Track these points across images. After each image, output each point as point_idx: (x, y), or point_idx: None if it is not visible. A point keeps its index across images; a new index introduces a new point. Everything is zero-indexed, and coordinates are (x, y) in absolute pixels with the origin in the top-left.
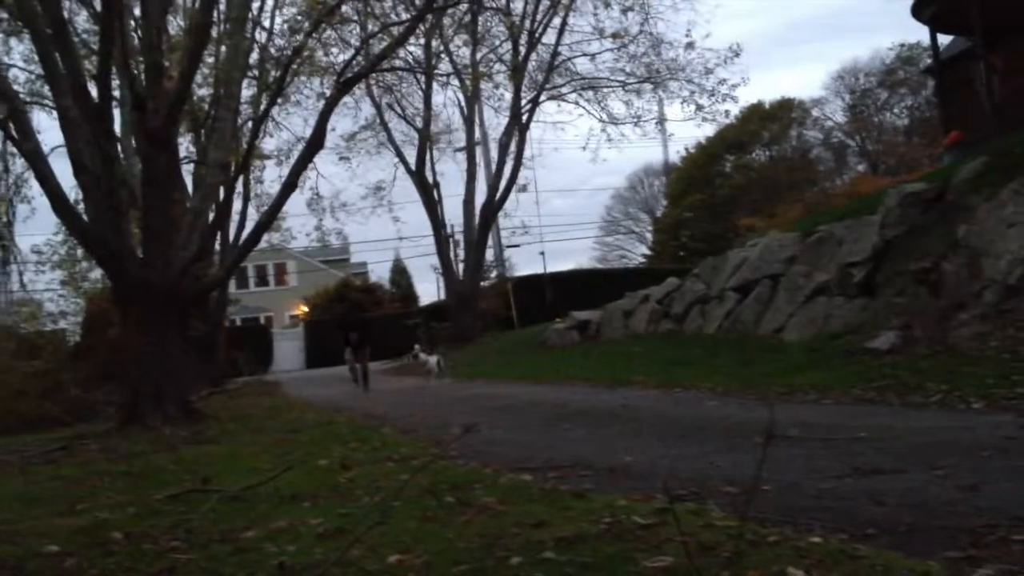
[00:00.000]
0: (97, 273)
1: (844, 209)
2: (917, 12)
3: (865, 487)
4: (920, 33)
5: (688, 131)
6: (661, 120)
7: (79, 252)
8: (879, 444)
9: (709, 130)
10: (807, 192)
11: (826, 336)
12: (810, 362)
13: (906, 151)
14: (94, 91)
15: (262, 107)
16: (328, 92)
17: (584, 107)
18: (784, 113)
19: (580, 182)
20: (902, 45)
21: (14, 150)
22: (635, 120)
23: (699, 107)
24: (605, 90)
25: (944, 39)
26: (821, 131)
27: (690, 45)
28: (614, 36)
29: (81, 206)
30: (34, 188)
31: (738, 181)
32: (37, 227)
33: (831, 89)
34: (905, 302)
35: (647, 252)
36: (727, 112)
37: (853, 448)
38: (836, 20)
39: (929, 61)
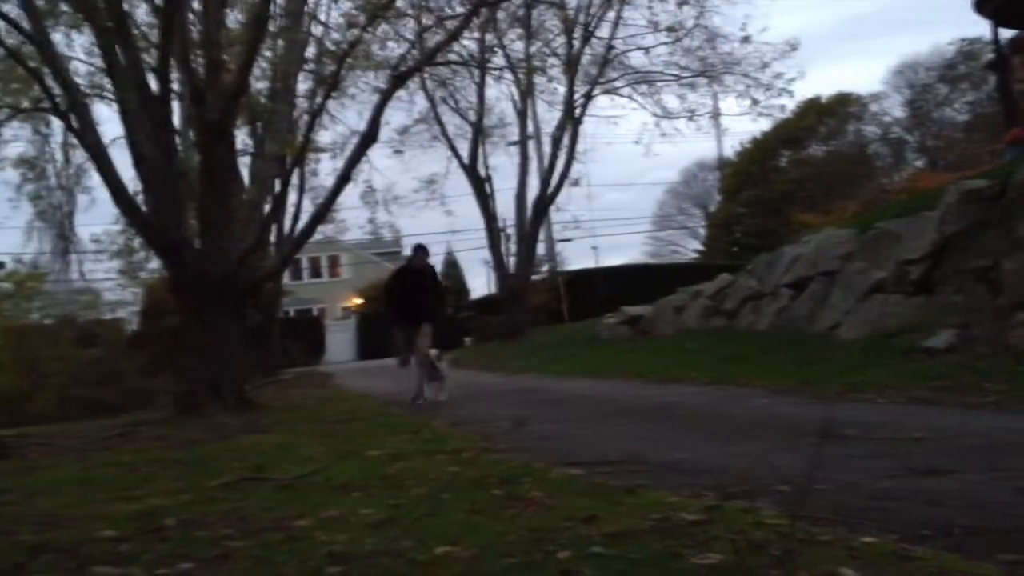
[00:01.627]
0: (155, 263)
1: (902, 205)
2: (979, 6)
3: (920, 488)
4: (981, 27)
5: (743, 126)
6: (715, 114)
7: (137, 242)
8: (935, 444)
9: (764, 125)
10: (864, 188)
11: (882, 334)
12: (865, 361)
13: (966, 147)
14: (154, 84)
15: (318, 100)
16: (383, 86)
17: (638, 101)
18: (842, 108)
19: (633, 177)
20: (963, 39)
21: (75, 141)
22: (689, 114)
23: (755, 101)
24: (659, 84)
25: (1007, 33)
26: (879, 126)
27: (746, 39)
28: (669, 30)
29: (140, 197)
30: (94, 179)
31: (794, 176)
32: (97, 217)
33: (890, 84)
34: (964, 300)
35: (699, 247)
36: (783, 107)
37: (908, 448)
38: (896, 14)
39: (991, 56)
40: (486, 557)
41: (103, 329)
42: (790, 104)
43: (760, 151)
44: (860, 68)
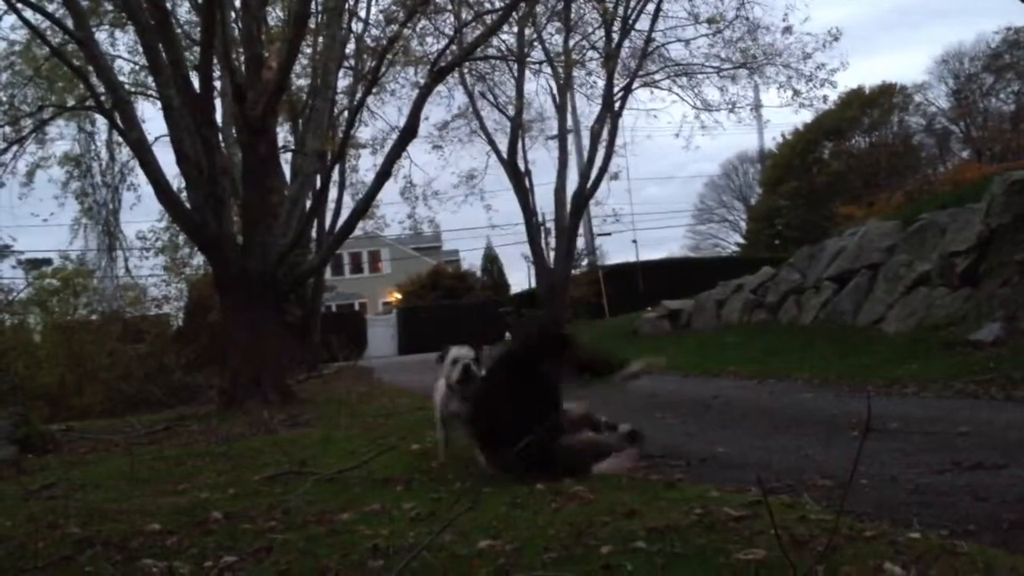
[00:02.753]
0: (199, 259)
1: (947, 197)
2: None
3: (966, 482)
4: None
5: (784, 117)
6: (757, 106)
7: (181, 239)
8: (981, 438)
9: (806, 116)
10: (909, 180)
11: (927, 328)
12: (910, 354)
13: (1012, 138)
14: (196, 82)
15: (358, 96)
16: (422, 81)
17: (677, 94)
18: (885, 98)
19: (673, 170)
20: (1008, 28)
21: (120, 139)
22: (730, 107)
23: (796, 93)
24: (699, 76)
25: None
26: (924, 117)
27: (788, 30)
28: (709, 21)
29: (184, 194)
30: (139, 176)
31: (836, 168)
32: (142, 214)
33: (934, 74)
34: (1010, 293)
35: (741, 241)
36: (825, 98)
37: (954, 442)
38: (940, 3)
39: None
40: (527, 551)
41: (148, 325)
42: (832, 95)
43: (802, 143)
44: (904, 58)
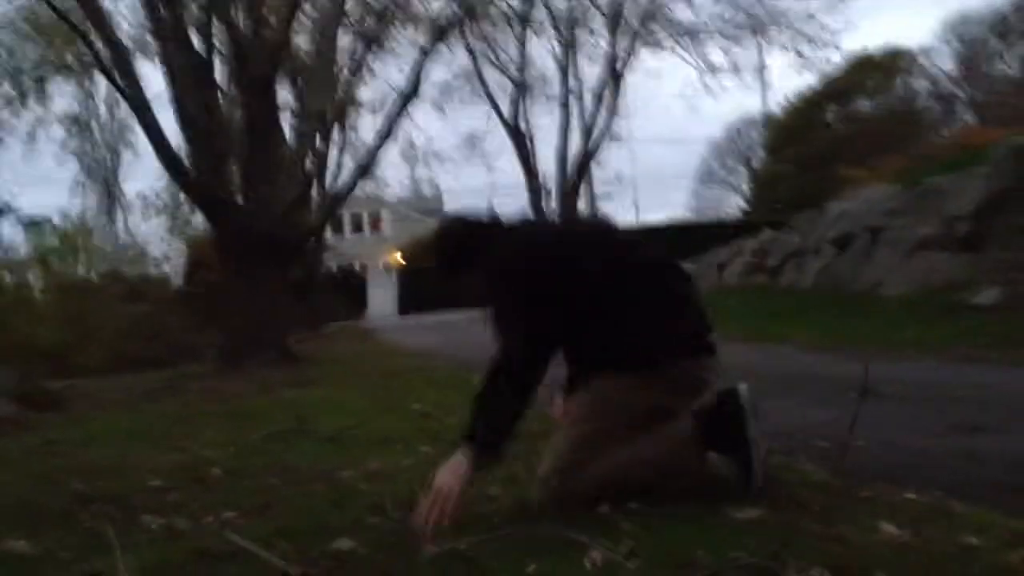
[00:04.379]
0: (199, 219)
1: (950, 161)
2: None
3: (963, 445)
4: None
5: (788, 80)
6: (761, 68)
7: (182, 198)
8: (979, 402)
9: (811, 79)
10: (913, 144)
11: (928, 291)
12: (910, 318)
13: (1017, 102)
14: (197, 40)
15: (359, 56)
16: (423, 41)
17: (681, 56)
18: (890, 62)
19: (676, 133)
20: None
21: (120, 98)
22: (734, 69)
23: (800, 55)
24: (703, 37)
25: None
26: (929, 81)
27: None
28: None
29: (184, 153)
30: (138, 135)
31: (841, 132)
32: (141, 173)
33: (941, 37)
34: (1011, 257)
35: (743, 204)
36: (829, 60)
37: (952, 406)
38: None
39: None
40: (525, 507)
41: (149, 284)
42: (837, 58)
43: (806, 106)
44: (910, 21)
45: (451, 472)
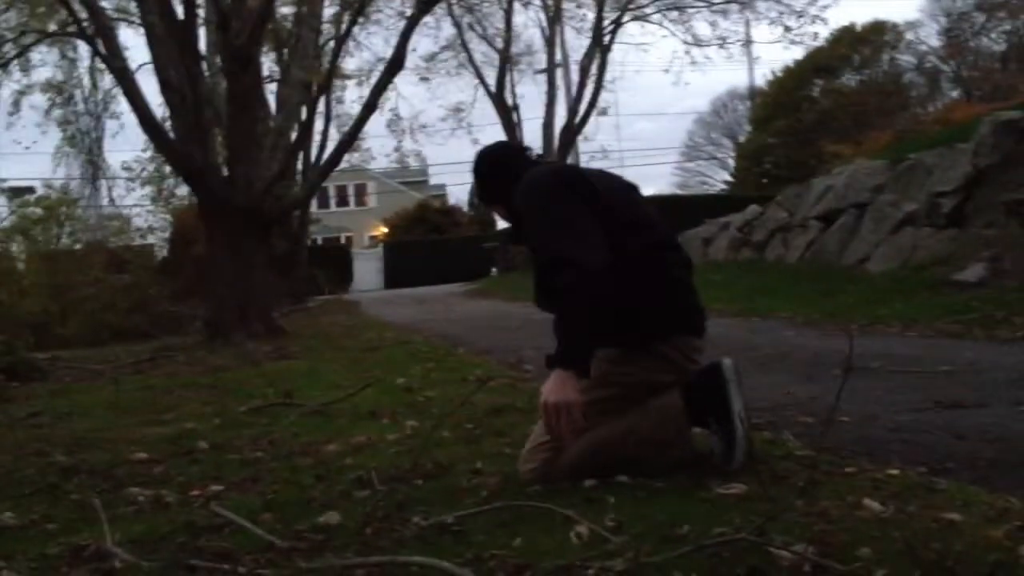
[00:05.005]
0: (184, 190)
1: (936, 137)
2: None
3: (946, 421)
4: None
5: (775, 54)
6: (747, 42)
7: (167, 169)
8: (962, 378)
9: (797, 53)
10: (898, 119)
11: (912, 267)
12: (894, 294)
13: (1002, 78)
14: (180, 9)
15: (344, 26)
16: (409, 11)
17: (668, 28)
18: (876, 36)
19: (662, 106)
20: None
21: (103, 66)
22: (720, 42)
23: (787, 29)
24: (690, 10)
25: None
26: (915, 56)
27: None
28: None
29: (168, 123)
30: (122, 104)
31: (826, 106)
32: (125, 143)
33: (926, 12)
34: (996, 234)
35: (729, 178)
36: (816, 34)
37: (935, 382)
38: None
39: None
40: (511, 483)
41: (133, 255)
42: (823, 32)
43: (792, 80)
44: None
45: (570, 388)
